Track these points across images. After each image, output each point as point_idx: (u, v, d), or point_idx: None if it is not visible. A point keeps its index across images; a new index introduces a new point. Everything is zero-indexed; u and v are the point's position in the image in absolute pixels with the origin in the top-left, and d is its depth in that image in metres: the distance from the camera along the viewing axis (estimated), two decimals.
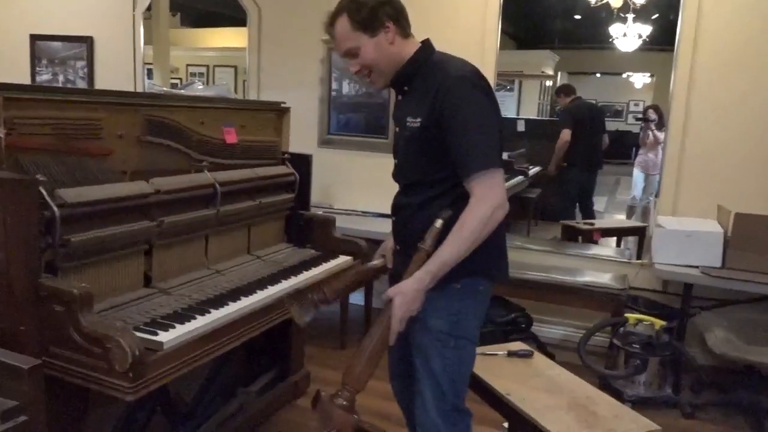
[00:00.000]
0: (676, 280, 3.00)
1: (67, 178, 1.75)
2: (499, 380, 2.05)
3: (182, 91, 4.47)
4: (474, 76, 1.66)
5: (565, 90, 5.81)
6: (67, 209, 1.65)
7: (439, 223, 1.63)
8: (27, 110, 1.64)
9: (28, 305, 1.57)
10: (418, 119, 1.66)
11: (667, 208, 3.43)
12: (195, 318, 1.80)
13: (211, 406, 2.47)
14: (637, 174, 6.15)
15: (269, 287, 2.14)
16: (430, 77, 1.67)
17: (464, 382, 1.77)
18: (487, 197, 1.58)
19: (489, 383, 2.04)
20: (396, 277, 1.71)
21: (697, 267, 2.90)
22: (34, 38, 4.76)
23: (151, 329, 1.69)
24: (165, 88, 4.53)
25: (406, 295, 1.58)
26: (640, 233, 4.68)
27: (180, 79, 8.27)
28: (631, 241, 4.96)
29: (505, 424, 2.68)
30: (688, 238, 2.87)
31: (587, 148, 5.47)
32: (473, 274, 1.68)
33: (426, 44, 1.77)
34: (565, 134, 5.34)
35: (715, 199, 3.23)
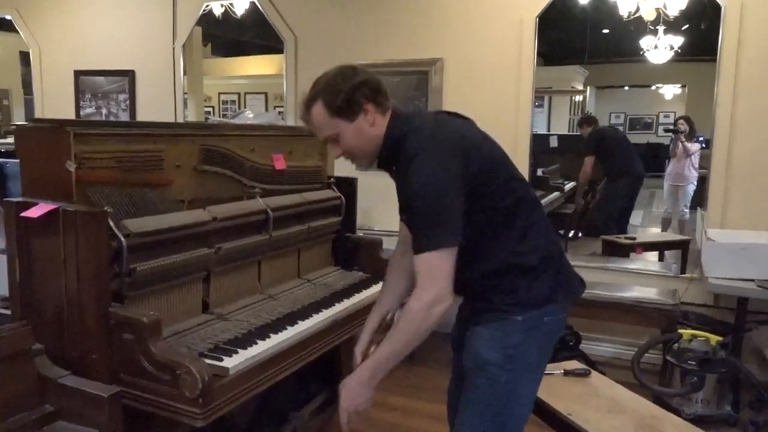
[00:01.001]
0: (731, 294, 2.93)
1: (130, 208, 1.79)
2: (559, 401, 2.03)
3: (233, 120, 4.56)
4: (433, 145, 1.56)
5: (587, 120, 6.33)
6: (133, 239, 1.70)
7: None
8: (95, 145, 1.69)
9: (99, 334, 1.61)
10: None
11: (715, 220, 3.37)
12: (256, 343, 1.82)
13: (264, 430, 2.48)
14: (667, 186, 6.10)
15: (323, 311, 2.16)
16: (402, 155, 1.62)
17: (510, 427, 1.67)
18: (424, 294, 1.53)
19: (548, 404, 2.01)
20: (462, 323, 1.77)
21: (752, 280, 2.83)
22: (78, 74, 4.93)
23: (215, 355, 1.71)
24: (217, 118, 4.64)
25: (350, 390, 1.63)
26: (683, 247, 4.60)
27: (212, 107, 8.45)
28: (672, 255, 4.88)
29: None
30: (742, 251, 2.82)
31: (621, 163, 5.57)
32: (536, 305, 1.60)
33: (394, 117, 1.65)
34: (588, 161, 5.63)
35: (766, 210, 3.17)
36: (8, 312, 1.76)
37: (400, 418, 2.92)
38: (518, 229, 1.61)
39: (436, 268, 1.53)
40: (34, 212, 1.56)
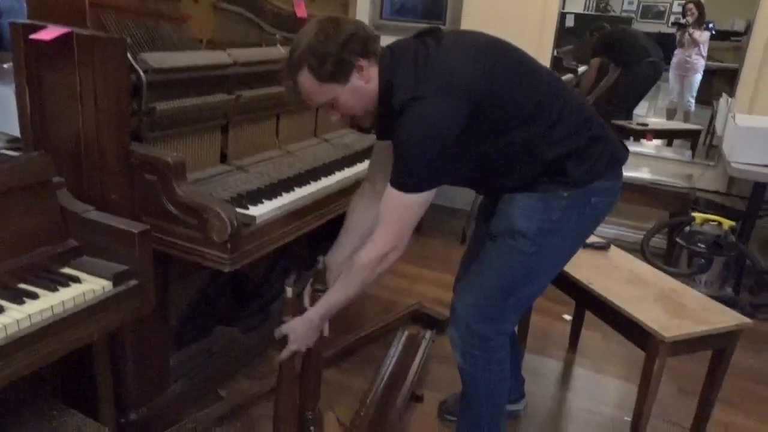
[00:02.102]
0: (751, 179, 2.89)
1: (147, 41, 1.65)
2: (579, 269, 2.02)
3: None
4: (426, 88, 1.38)
5: (591, 32, 5.85)
6: (153, 75, 1.57)
7: (289, 292, 1.58)
8: None
9: (119, 173, 1.53)
10: None
11: (743, 106, 3.26)
12: (281, 195, 1.76)
13: (276, 285, 2.49)
14: (673, 76, 5.89)
15: (346, 169, 2.09)
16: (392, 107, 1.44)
17: (521, 303, 1.64)
18: (385, 239, 1.46)
19: (569, 273, 2.00)
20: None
21: None
22: None
23: (242, 203, 1.64)
24: None
25: (300, 334, 1.57)
26: (694, 136, 4.52)
27: None
28: (679, 145, 4.80)
29: (566, 316, 2.70)
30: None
31: (635, 52, 5.35)
32: (585, 182, 1.49)
33: (383, 68, 1.44)
34: (594, 63, 5.43)
35: None
36: (17, 154, 1.66)
37: (408, 284, 2.96)
38: (549, 125, 1.47)
39: (407, 212, 1.45)
40: (45, 35, 1.41)
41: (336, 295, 1.55)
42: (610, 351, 2.50)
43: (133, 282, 1.27)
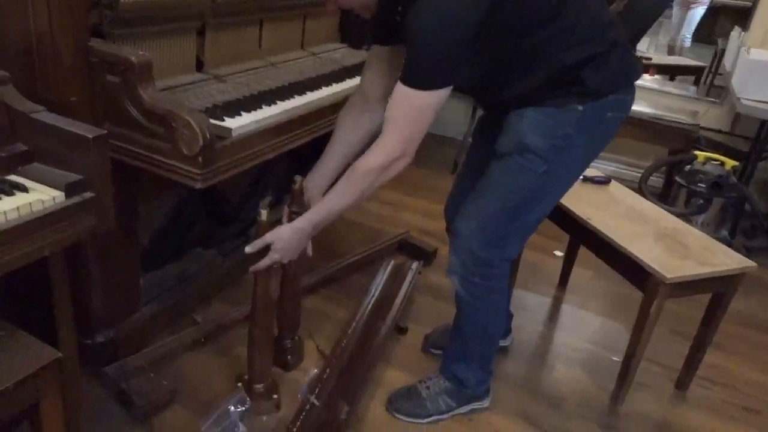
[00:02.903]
0: (759, 117, 2.75)
1: None
2: (577, 204, 1.90)
3: None
4: None
5: None
6: None
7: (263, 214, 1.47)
8: None
9: (77, 73, 1.35)
10: None
11: (756, 41, 3.08)
12: (261, 108, 1.59)
13: (255, 210, 2.36)
14: (676, 10, 5.63)
15: (334, 84, 1.91)
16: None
17: (526, 228, 1.52)
18: (392, 144, 1.34)
19: (566, 206, 1.89)
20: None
21: None
22: None
23: (216, 114, 1.48)
24: None
25: (286, 241, 1.45)
26: (698, 73, 4.35)
27: None
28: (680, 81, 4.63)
29: (557, 252, 2.61)
30: None
31: None
32: (601, 94, 1.36)
33: None
34: None
35: None
36: None
37: (395, 212, 2.85)
38: (568, 26, 1.32)
39: (418, 112, 1.31)
40: None
41: (332, 202, 1.44)
42: (601, 289, 2.43)
43: (88, 194, 1.12)
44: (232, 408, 1.59)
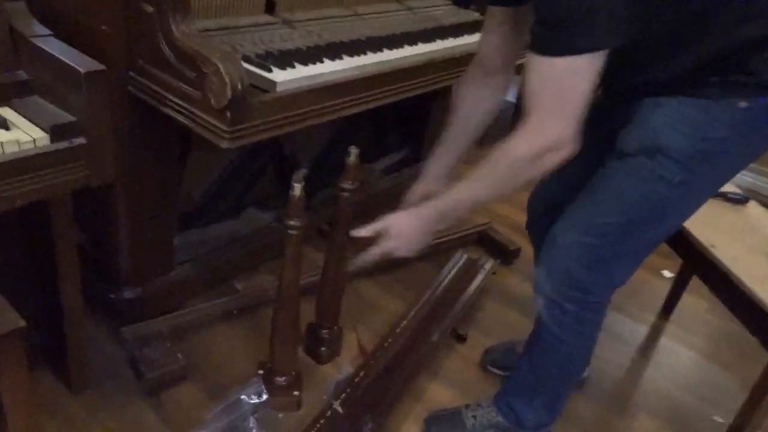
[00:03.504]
0: None
1: None
2: (700, 225, 1.52)
3: None
4: None
5: None
6: None
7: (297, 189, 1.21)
8: None
9: None
10: None
11: None
12: (323, 61, 1.35)
13: (329, 176, 2.16)
14: None
15: (420, 44, 1.63)
16: None
17: (641, 249, 1.19)
18: (543, 129, 0.99)
19: (686, 228, 1.51)
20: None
21: None
22: None
23: (264, 63, 1.26)
24: None
25: (407, 229, 1.19)
26: None
27: None
28: None
29: (666, 273, 2.20)
30: None
31: None
32: None
33: None
34: None
35: None
36: None
37: None
38: None
39: (569, 83, 0.95)
40: None
41: (467, 190, 1.14)
42: (715, 327, 2.01)
43: (79, 140, 0.94)
44: (246, 398, 1.41)
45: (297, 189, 1.19)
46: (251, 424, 1.37)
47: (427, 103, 2.30)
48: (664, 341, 1.93)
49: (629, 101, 1.11)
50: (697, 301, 2.06)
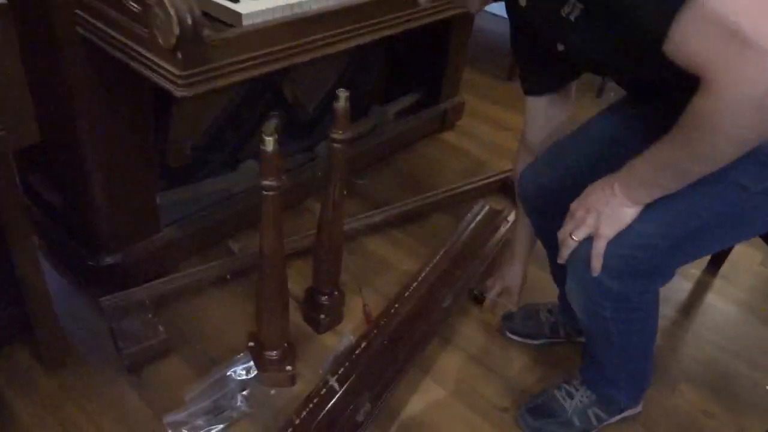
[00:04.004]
0: None
1: None
2: None
3: None
4: None
5: None
6: None
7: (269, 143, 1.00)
8: None
9: None
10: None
11: None
12: None
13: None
14: None
15: None
16: None
17: (691, 256, 1.00)
18: (741, 69, 0.68)
19: None
20: None
21: None
22: None
23: None
24: None
25: (600, 204, 0.93)
26: None
27: None
28: None
29: None
30: None
31: None
32: None
33: None
34: None
35: None
36: None
37: (509, 140, 2.30)
38: None
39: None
40: None
41: (650, 163, 0.87)
42: None
43: None
44: (233, 374, 1.29)
45: (269, 143, 1.01)
46: (239, 402, 1.24)
47: (444, 39, 2.06)
48: (711, 299, 1.71)
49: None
50: (751, 252, 1.83)
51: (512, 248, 1.42)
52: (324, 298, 1.44)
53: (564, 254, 1.01)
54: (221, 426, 1.21)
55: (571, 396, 1.26)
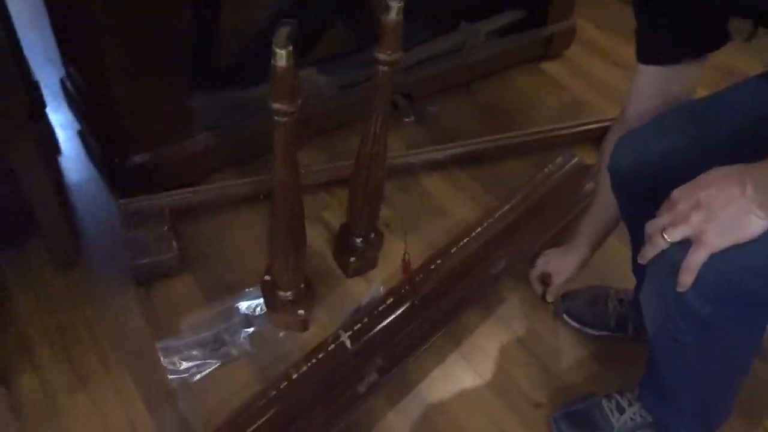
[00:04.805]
0: None
1: None
2: None
3: None
4: None
5: None
6: None
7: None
8: None
9: None
10: None
11: None
12: None
13: (422, 33, 1.72)
14: None
15: None
16: None
17: None
18: None
19: None
20: None
21: None
22: None
23: None
24: None
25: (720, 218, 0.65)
26: None
27: None
28: None
29: None
30: None
31: None
32: None
33: None
34: None
35: None
36: None
37: (618, 80, 1.94)
38: None
39: None
40: None
41: None
42: None
43: None
44: (242, 307, 1.17)
45: (281, 57, 0.80)
46: (241, 339, 1.13)
47: None
48: None
49: None
50: None
51: (576, 230, 1.17)
52: (358, 240, 1.27)
53: (648, 254, 0.75)
54: (216, 362, 1.10)
55: (621, 410, 1.04)
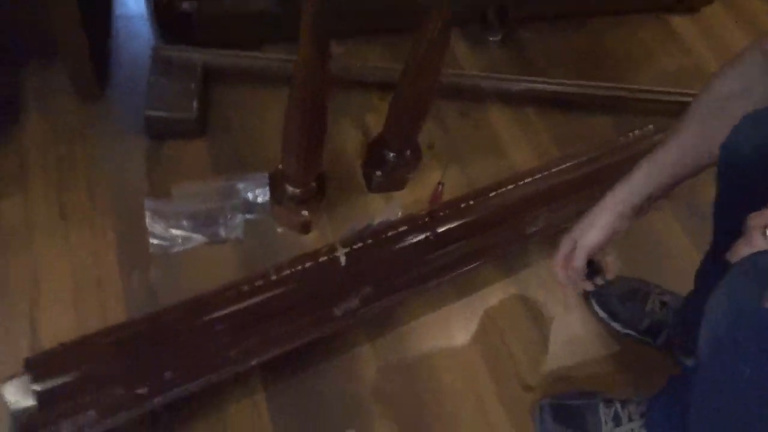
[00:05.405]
0: None
1: None
2: None
3: None
4: None
5: None
6: None
7: None
8: None
9: None
10: None
11: None
12: None
13: None
14: None
15: None
16: None
17: None
18: None
19: None
20: None
21: None
22: None
23: None
24: None
25: None
26: None
27: None
28: None
29: None
30: None
31: None
32: None
33: None
34: None
35: None
36: None
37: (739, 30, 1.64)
38: None
39: None
40: None
41: None
42: None
43: None
44: (244, 190, 1.08)
45: None
46: (237, 222, 1.05)
47: None
48: None
49: None
50: None
51: (617, 183, 0.83)
52: (391, 154, 1.13)
53: (739, 252, 0.58)
54: (202, 238, 1.03)
55: (617, 422, 0.91)
